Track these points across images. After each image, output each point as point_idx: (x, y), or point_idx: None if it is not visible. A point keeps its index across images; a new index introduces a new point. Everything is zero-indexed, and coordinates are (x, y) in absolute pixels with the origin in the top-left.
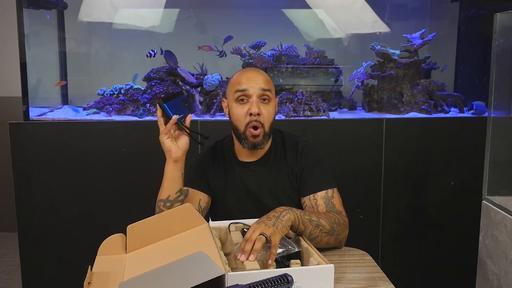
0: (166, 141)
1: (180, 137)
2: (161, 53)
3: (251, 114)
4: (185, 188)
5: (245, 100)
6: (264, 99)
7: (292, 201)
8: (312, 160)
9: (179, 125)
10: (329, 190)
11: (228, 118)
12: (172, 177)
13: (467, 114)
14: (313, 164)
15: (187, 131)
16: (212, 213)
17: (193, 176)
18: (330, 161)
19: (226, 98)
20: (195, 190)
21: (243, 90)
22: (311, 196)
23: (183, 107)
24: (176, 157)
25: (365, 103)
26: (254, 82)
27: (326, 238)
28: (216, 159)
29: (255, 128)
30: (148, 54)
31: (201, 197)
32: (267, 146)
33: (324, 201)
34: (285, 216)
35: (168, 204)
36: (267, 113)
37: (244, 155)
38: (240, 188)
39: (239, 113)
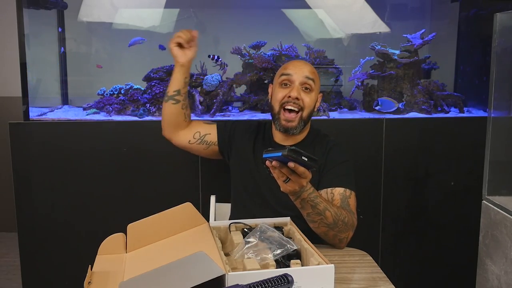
0: (174, 49)
1: (190, 49)
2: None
3: (289, 97)
4: (211, 123)
5: (288, 85)
6: (306, 88)
7: None
8: (338, 158)
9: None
10: (347, 189)
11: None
12: (175, 77)
13: (466, 114)
14: (339, 161)
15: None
16: (233, 179)
17: (227, 125)
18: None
19: (272, 84)
20: (215, 129)
21: (287, 74)
22: (329, 189)
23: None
24: (181, 62)
25: (359, 103)
26: (300, 69)
27: (324, 228)
28: (257, 133)
29: (291, 111)
30: (212, 56)
31: (211, 133)
32: (301, 136)
33: (341, 197)
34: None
35: (165, 98)
36: (308, 100)
37: (279, 138)
38: (264, 167)
39: (279, 95)
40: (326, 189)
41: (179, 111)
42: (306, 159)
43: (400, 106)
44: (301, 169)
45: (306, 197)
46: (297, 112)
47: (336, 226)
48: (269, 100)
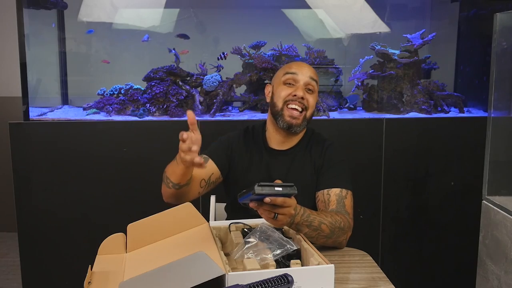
0: (194, 159)
1: (196, 140)
2: (171, 51)
3: (295, 96)
4: (205, 156)
5: (292, 84)
6: (309, 89)
7: (309, 197)
8: (335, 158)
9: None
10: (343, 189)
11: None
12: (180, 173)
13: (466, 114)
14: (335, 162)
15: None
16: (231, 193)
17: (219, 149)
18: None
19: (271, 84)
20: (213, 164)
21: (292, 73)
22: (325, 190)
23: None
24: (189, 164)
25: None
26: (305, 69)
27: (322, 239)
28: (247, 141)
29: (296, 110)
30: (219, 57)
31: (214, 171)
32: (298, 137)
33: (337, 198)
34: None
35: (177, 187)
36: (312, 100)
37: (275, 142)
38: (263, 174)
39: (283, 92)
40: (322, 190)
41: (186, 191)
42: (280, 188)
43: (364, 97)
44: (279, 200)
45: (300, 220)
46: (301, 112)
47: (333, 234)
48: (271, 99)
